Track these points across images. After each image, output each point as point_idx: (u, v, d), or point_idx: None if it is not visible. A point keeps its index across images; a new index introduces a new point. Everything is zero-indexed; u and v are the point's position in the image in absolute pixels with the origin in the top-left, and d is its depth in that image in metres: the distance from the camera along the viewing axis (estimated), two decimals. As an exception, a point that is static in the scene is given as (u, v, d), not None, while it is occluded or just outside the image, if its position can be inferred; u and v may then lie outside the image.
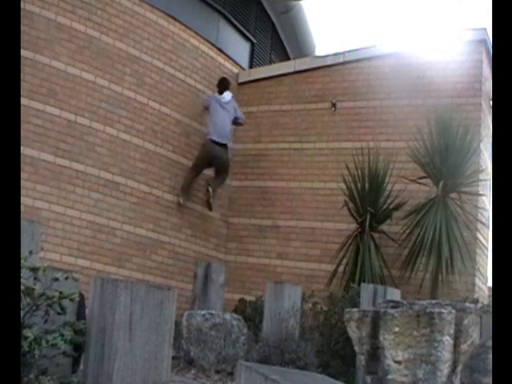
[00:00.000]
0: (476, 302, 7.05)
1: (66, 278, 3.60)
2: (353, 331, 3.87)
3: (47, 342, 3.35)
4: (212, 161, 8.91)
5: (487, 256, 8.72)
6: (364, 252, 7.94)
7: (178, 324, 4.49)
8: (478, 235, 8.21)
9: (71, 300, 3.56)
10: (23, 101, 7.00)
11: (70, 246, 7.46)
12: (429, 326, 3.66)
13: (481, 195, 8.28)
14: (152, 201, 8.45)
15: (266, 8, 11.85)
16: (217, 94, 9.13)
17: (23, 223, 3.61)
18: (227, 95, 9.09)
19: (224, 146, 8.91)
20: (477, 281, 8.09)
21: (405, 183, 8.21)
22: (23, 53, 7.03)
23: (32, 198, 7.14)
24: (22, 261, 3.31)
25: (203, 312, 5.71)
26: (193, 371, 5.37)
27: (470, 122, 8.11)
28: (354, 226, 8.32)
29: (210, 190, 8.87)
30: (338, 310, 6.53)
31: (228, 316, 5.73)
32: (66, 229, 7.44)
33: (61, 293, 3.49)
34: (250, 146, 9.68)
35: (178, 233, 8.76)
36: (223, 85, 9.18)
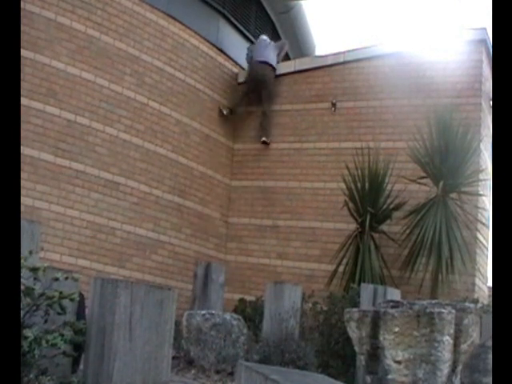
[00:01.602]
0: (476, 302, 7.05)
1: (66, 278, 3.60)
2: (353, 331, 3.88)
3: (47, 341, 3.35)
4: (255, 78, 9.49)
5: (487, 256, 8.72)
6: (364, 252, 7.94)
7: (177, 324, 4.49)
8: (478, 235, 8.21)
9: (71, 300, 3.56)
10: (23, 101, 7.00)
11: (69, 246, 7.46)
12: (429, 326, 3.66)
13: (481, 195, 8.28)
14: (152, 201, 8.45)
15: (265, 8, 11.85)
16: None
17: (23, 223, 3.61)
18: (263, 36, 10.01)
19: (264, 63, 9.48)
20: (477, 281, 8.09)
21: (405, 183, 8.21)
22: (23, 53, 7.03)
23: (32, 198, 7.14)
24: (22, 261, 3.31)
25: (203, 312, 5.71)
26: (193, 371, 5.37)
27: (470, 122, 8.10)
28: (353, 225, 8.32)
29: (266, 140, 9.45)
30: (338, 309, 6.52)
31: (228, 316, 5.73)
32: (66, 229, 7.44)
33: (61, 293, 3.49)
34: (250, 145, 9.68)
35: (178, 233, 8.76)
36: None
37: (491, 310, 3.75)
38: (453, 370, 3.77)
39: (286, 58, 12.22)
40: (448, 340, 3.69)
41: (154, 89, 8.56)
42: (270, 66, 9.52)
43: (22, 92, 6.97)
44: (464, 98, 8.42)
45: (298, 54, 12.67)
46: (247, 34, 10.95)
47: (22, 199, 6.81)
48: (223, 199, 9.55)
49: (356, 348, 3.90)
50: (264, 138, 9.46)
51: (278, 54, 9.81)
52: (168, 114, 8.74)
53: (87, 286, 3.93)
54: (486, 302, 7.54)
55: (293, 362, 5.52)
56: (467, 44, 8.56)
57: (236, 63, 10.06)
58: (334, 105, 9.16)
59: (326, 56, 9.52)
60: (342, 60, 9.26)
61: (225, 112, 9.51)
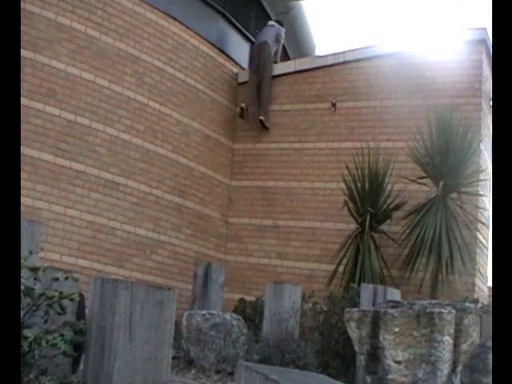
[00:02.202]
0: (476, 302, 7.05)
1: (66, 278, 3.61)
2: (353, 331, 3.88)
3: (47, 342, 3.35)
4: (255, 60, 9.72)
5: (487, 256, 8.72)
6: (364, 252, 7.94)
7: (177, 324, 4.49)
8: (478, 235, 8.21)
9: (71, 300, 3.57)
10: (23, 101, 7.00)
11: (69, 246, 7.46)
12: (429, 326, 3.66)
13: (481, 195, 8.28)
14: (152, 201, 8.44)
15: (265, 8, 11.85)
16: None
17: (23, 223, 3.62)
18: (270, 22, 10.41)
19: (261, 43, 9.77)
20: (477, 281, 8.09)
21: (405, 183, 8.21)
22: (23, 53, 7.02)
23: (32, 198, 7.14)
24: (22, 261, 3.31)
25: (203, 312, 5.71)
26: (193, 371, 5.37)
27: (470, 122, 8.10)
28: (353, 226, 8.32)
29: (263, 119, 9.44)
30: (337, 309, 6.52)
31: (228, 316, 5.73)
32: (66, 229, 7.44)
33: (61, 293, 3.49)
34: (250, 145, 9.68)
35: (178, 233, 8.75)
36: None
37: (491, 310, 3.75)
38: (453, 370, 3.77)
39: (286, 57, 12.26)
40: (448, 340, 3.69)
41: (154, 89, 8.56)
42: (266, 43, 9.70)
43: (22, 92, 6.97)
44: (464, 98, 8.42)
45: (298, 54, 12.67)
46: (247, 34, 10.95)
47: (22, 199, 6.81)
48: (223, 199, 9.55)
49: (356, 348, 3.91)
50: (261, 117, 9.40)
51: (276, 52, 9.89)
52: (168, 114, 8.74)
53: (87, 286, 3.93)
54: (486, 302, 7.54)
55: (293, 362, 5.52)
56: (467, 44, 8.56)
57: (236, 63, 10.05)
58: (334, 105, 9.16)
59: (326, 56, 9.52)
60: (342, 60, 9.26)
61: (248, 111, 9.51)
